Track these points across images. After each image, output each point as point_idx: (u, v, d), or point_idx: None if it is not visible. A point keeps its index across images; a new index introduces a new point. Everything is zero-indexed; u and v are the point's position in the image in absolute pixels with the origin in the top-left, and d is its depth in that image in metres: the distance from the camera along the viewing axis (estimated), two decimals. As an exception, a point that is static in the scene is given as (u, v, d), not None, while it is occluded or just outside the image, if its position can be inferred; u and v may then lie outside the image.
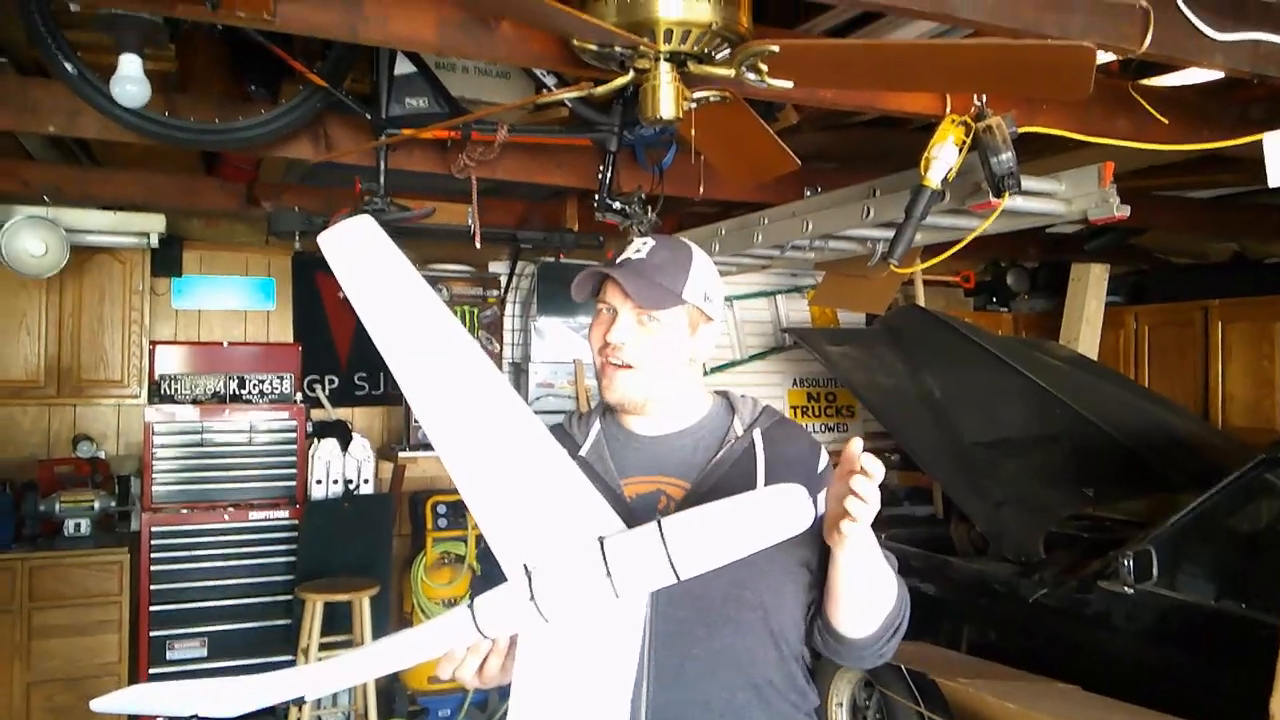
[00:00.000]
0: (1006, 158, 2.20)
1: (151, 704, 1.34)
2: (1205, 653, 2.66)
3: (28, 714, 4.11)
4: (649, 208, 3.11)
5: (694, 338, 1.47)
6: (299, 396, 4.94)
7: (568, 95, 1.81)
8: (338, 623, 4.35)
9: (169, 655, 4.38)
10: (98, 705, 1.30)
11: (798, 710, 1.44)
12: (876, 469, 1.15)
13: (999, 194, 2.27)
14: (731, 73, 1.74)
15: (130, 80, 1.78)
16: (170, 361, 4.81)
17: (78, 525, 4.31)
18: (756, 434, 1.48)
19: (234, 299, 5.10)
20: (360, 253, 1.36)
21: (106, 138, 2.60)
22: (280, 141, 2.70)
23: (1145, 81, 2.63)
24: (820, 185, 3.38)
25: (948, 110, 2.31)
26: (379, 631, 4.33)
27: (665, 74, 1.74)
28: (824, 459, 1.56)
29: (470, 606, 1.24)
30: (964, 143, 2.27)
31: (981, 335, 4.64)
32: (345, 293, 1.35)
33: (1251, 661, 2.21)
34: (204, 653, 4.44)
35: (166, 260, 4.74)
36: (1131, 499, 3.87)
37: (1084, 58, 1.45)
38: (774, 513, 1.15)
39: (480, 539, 4.49)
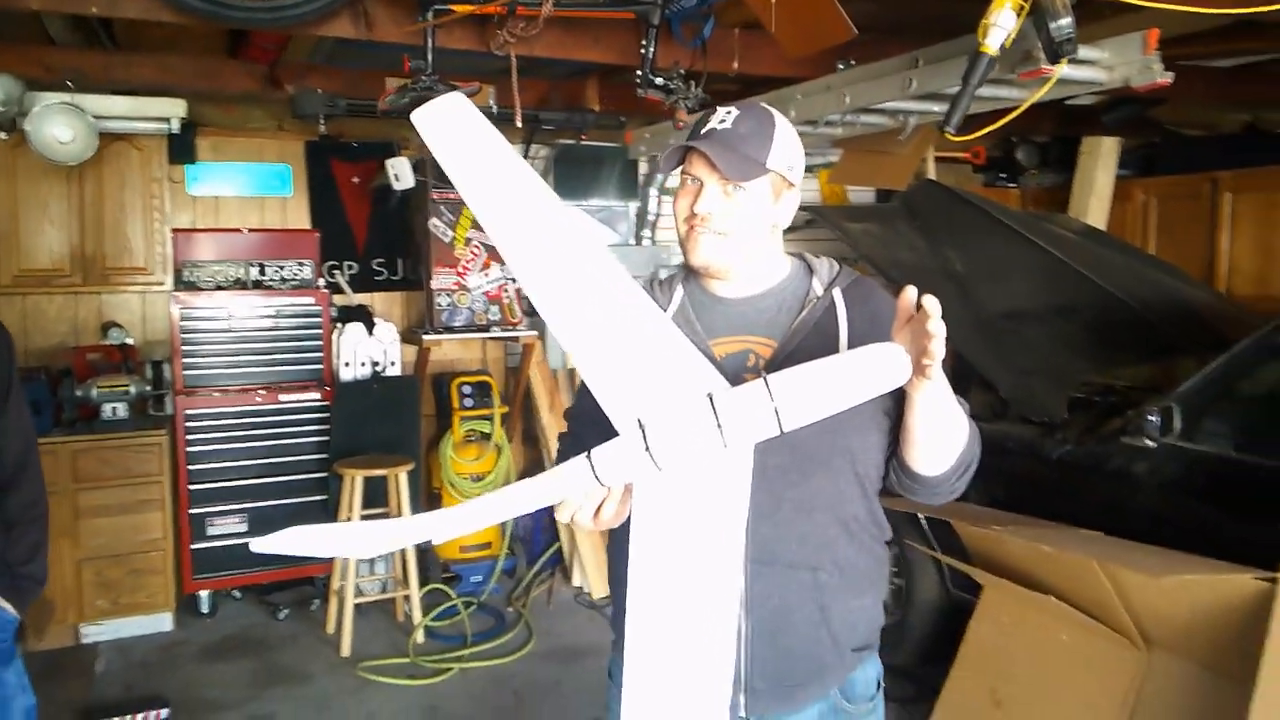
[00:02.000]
0: (1066, 23, 2.23)
1: (305, 546, 1.43)
2: (1225, 500, 2.84)
3: (79, 589, 4.28)
4: (692, 83, 3.10)
5: (777, 204, 1.50)
6: (320, 282, 4.98)
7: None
8: (373, 497, 4.52)
9: (210, 531, 4.56)
10: (257, 546, 1.40)
11: (876, 541, 1.57)
12: (935, 307, 1.18)
13: (1055, 60, 2.30)
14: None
15: None
16: (191, 249, 4.82)
17: (114, 409, 4.40)
18: (836, 293, 1.54)
19: (250, 186, 5.08)
20: (454, 128, 1.38)
21: (151, 18, 2.57)
22: (323, 20, 2.68)
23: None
24: (853, 59, 3.37)
25: (1005, -25, 2.31)
26: (414, 505, 4.50)
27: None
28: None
29: (589, 457, 1.32)
30: (1021, 8, 2.28)
31: (998, 209, 4.70)
32: (444, 168, 1.38)
33: (1270, 506, 2.37)
34: (244, 528, 4.61)
35: (182, 147, 4.70)
36: (1145, 364, 4.02)
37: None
38: (874, 370, 1.23)
39: (506, 417, 4.63)
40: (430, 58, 2.79)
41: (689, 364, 1.30)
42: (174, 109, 4.03)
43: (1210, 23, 2.74)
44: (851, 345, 1.48)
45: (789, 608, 1.42)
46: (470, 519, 1.45)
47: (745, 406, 1.24)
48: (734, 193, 1.44)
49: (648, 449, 1.27)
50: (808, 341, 1.48)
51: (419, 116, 1.40)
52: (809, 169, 5.89)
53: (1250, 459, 2.87)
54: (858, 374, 1.24)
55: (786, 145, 1.51)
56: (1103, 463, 3.21)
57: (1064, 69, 2.40)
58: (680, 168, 1.51)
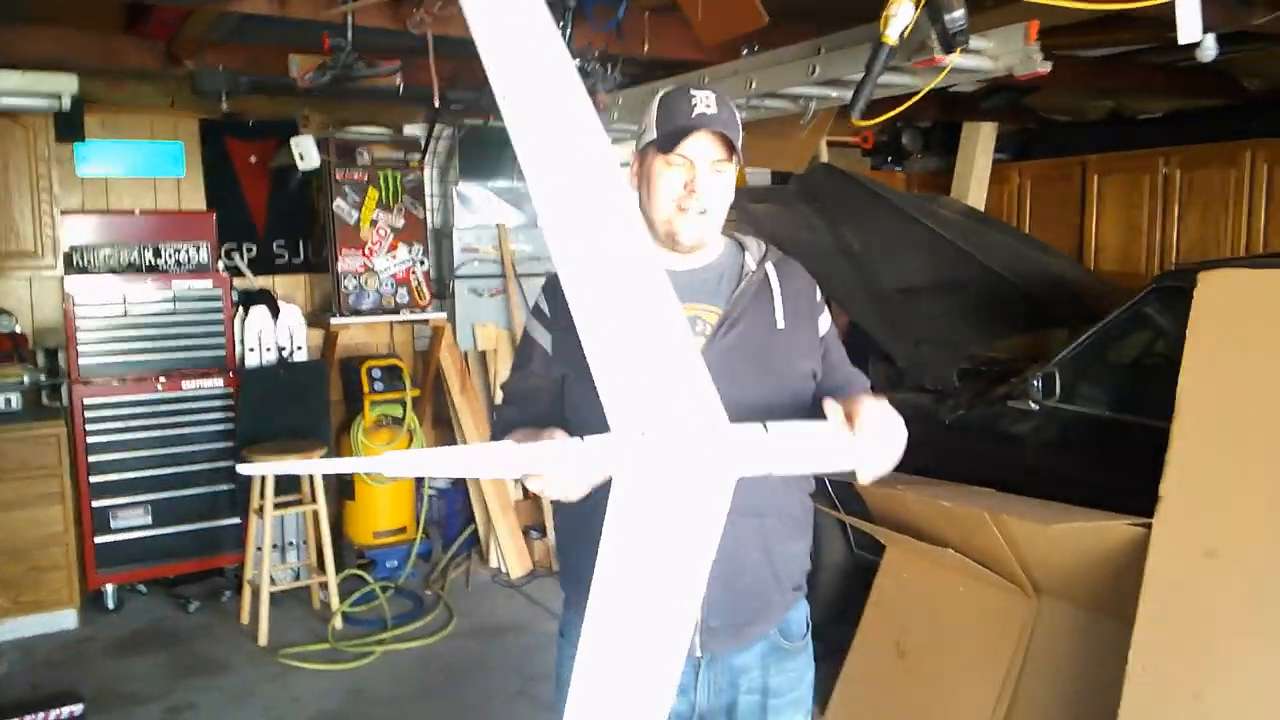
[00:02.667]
0: (959, 15, 2.41)
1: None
2: (1101, 455, 3.12)
3: (-26, 587, 4.12)
4: (609, 66, 3.18)
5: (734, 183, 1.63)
6: (219, 265, 4.87)
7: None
8: (284, 485, 4.48)
9: (113, 524, 4.44)
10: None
11: (804, 492, 1.71)
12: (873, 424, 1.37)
13: (949, 50, 2.48)
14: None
15: None
16: (82, 231, 4.65)
17: (8, 400, 4.23)
18: (769, 267, 1.69)
19: (141, 166, 4.91)
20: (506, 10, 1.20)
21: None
22: (239, -6, 2.65)
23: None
24: (757, 44, 3.51)
25: (904, -31, 2.48)
26: (327, 492, 4.48)
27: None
28: (818, 291, 1.79)
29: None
30: (918, 0, 2.45)
31: (888, 191, 4.97)
32: (481, 47, 1.19)
33: (1142, 459, 2.62)
34: (149, 520, 4.51)
35: (69, 124, 4.49)
36: (1025, 335, 4.34)
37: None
38: (851, 456, 1.36)
39: (417, 400, 4.63)
40: (350, 35, 2.79)
41: (701, 387, 1.30)
42: (65, 85, 3.88)
43: (1083, 15, 2.97)
44: (785, 314, 1.64)
45: (741, 552, 1.54)
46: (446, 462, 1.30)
47: (744, 443, 1.30)
48: (720, 173, 1.55)
49: (643, 456, 1.26)
50: (748, 310, 1.61)
51: None
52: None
53: (1121, 417, 3.16)
54: (839, 451, 1.36)
55: (740, 128, 1.61)
56: (991, 425, 3.47)
57: (956, 58, 2.58)
58: (653, 148, 1.56)
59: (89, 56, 3.63)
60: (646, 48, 3.40)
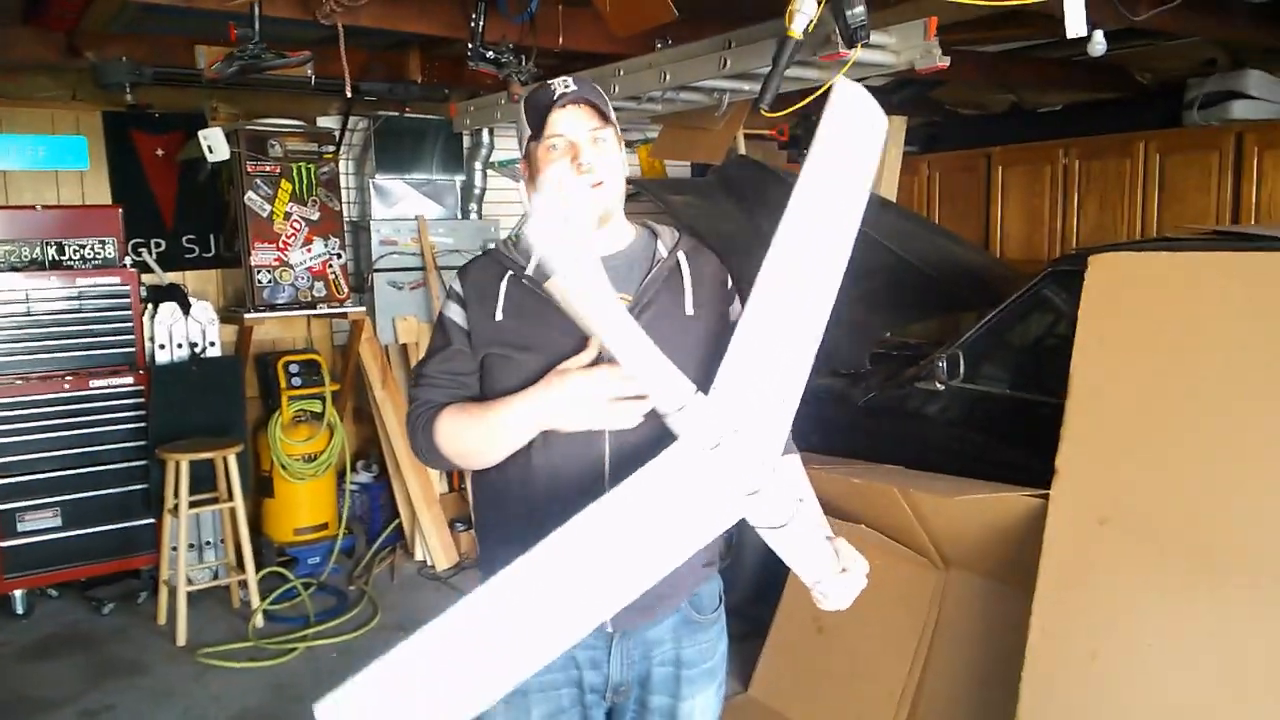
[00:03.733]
0: (860, 11, 2.50)
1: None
2: (1004, 432, 3.28)
3: None
4: (523, 57, 3.20)
5: (622, 155, 1.67)
6: (127, 261, 4.74)
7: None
8: (199, 483, 4.39)
9: (20, 527, 4.31)
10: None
11: None
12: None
13: (852, 45, 2.57)
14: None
15: None
16: (-22, 227, 4.48)
17: (-98, 402, 4.07)
18: (680, 255, 1.74)
19: (42, 159, 4.76)
20: (856, 123, 1.43)
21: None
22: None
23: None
24: (670, 38, 3.57)
25: (807, -34, 2.56)
26: (245, 488, 4.41)
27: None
28: (729, 278, 1.85)
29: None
30: (820, -3, 2.54)
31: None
32: (818, 149, 1.47)
33: (1042, 435, 2.76)
34: (58, 522, 4.40)
35: (-37, 117, 4.35)
36: (933, 320, 4.50)
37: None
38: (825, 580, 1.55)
39: (337, 395, 4.57)
40: (258, 25, 2.76)
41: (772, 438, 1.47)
42: (-44, 77, 3.74)
43: (978, 12, 3.10)
44: (695, 300, 1.68)
45: None
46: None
47: (780, 495, 1.44)
48: (600, 142, 1.59)
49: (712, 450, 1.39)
50: (659, 296, 1.65)
51: (844, 87, 1.43)
52: (630, 144, 6.10)
53: (1021, 395, 3.32)
54: (822, 572, 1.54)
55: (613, 107, 1.69)
56: (901, 406, 3.60)
57: (859, 53, 2.68)
58: (532, 144, 1.63)
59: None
60: (561, 40, 3.43)
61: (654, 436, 1.45)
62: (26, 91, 4.51)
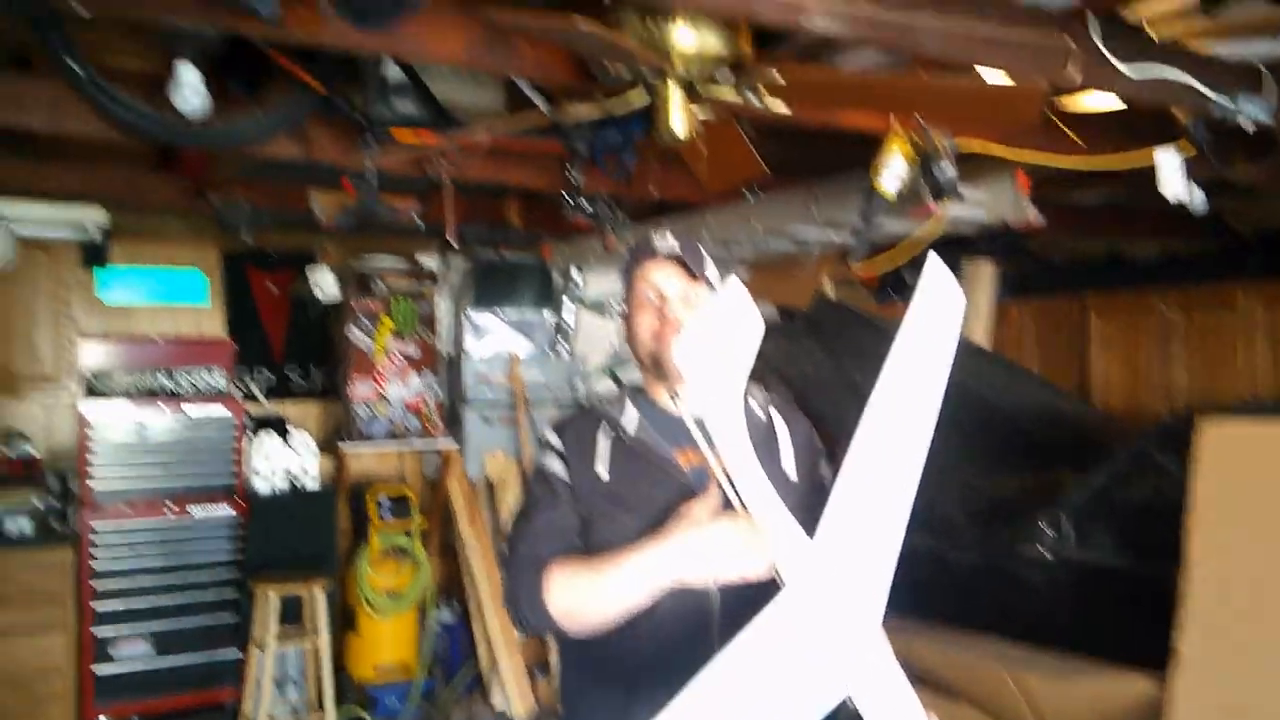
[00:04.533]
0: (949, 169, 2.53)
1: None
2: (1109, 604, 3.07)
3: (-32, 717, 4.04)
4: (617, 208, 3.33)
5: None
6: (234, 390, 4.95)
7: (584, 113, 2.02)
8: (287, 616, 4.41)
9: (114, 654, 4.36)
10: None
11: None
12: None
13: (941, 200, 2.60)
14: (737, 97, 1.99)
15: (191, 89, 1.89)
16: (101, 356, 4.75)
17: (18, 525, 4.24)
18: (772, 411, 1.73)
19: (164, 293, 5.07)
20: (945, 298, 1.53)
21: (96, 135, 2.66)
22: (269, 141, 2.81)
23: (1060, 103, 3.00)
24: (759, 189, 3.66)
25: (895, 127, 2.62)
26: (331, 624, 4.42)
27: (679, 96, 1.98)
28: (816, 436, 1.83)
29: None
30: (910, 155, 2.58)
31: (891, 326, 5.03)
32: (909, 329, 1.54)
33: (1151, 609, 2.59)
34: (151, 650, 4.43)
35: (95, 253, 4.67)
36: (1031, 474, 4.32)
37: (1035, 94, 1.76)
38: None
39: (424, 530, 4.58)
40: (374, 181, 2.94)
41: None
42: (94, 216, 4.05)
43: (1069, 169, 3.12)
44: (794, 462, 1.68)
45: None
46: None
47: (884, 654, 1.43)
48: (693, 300, 1.61)
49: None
50: (761, 460, 1.58)
51: (935, 265, 1.53)
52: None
53: (1128, 564, 3.12)
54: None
55: (711, 264, 1.70)
56: (998, 570, 3.43)
57: (949, 208, 2.70)
58: (628, 293, 1.67)
59: (116, 191, 3.80)
60: (656, 191, 3.55)
61: (760, 594, 1.40)
62: (154, 229, 4.84)
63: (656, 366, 1.64)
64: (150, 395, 4.67)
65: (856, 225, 2.72)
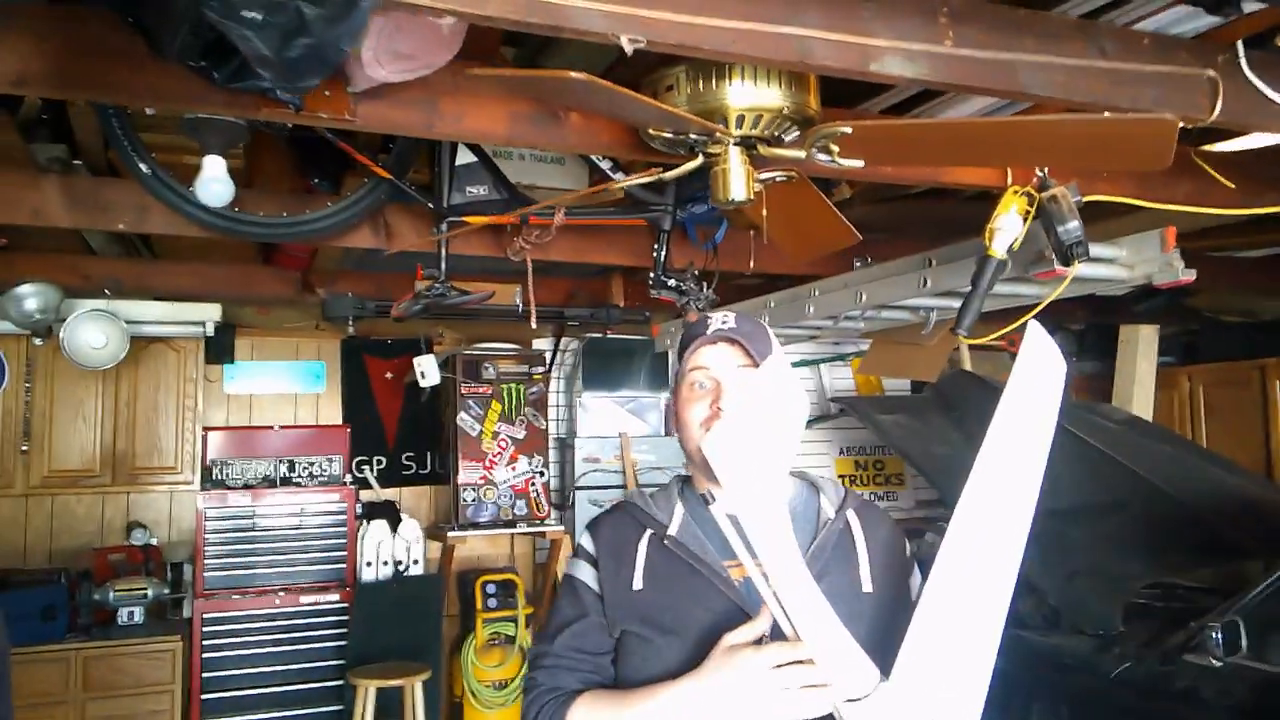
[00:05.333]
0: (1074, 226, 2.19)
1: None
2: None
3: (80, 808, 4.06)
4: (704, 284, 3.12)
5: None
6: (348, 478, 4.96)
7: (639, 181, 1.83)
8: (389, 708, 4.29)
9: (221, 744, 4.33)
10: None
11: None
12: None
13: (1067, 262, 2.25)
14: (803, 154, 1.75)
15: (216, 180, 1.83)
16: (222, 447, 4.85)
17: (131, 614, 4.31)
18: (850, 515, 1.46)
19: (285, 383, 5.16)
20: (1045, 369, 1.37)
21: (175, 233, 2.66)
22: (344, 232, 2.75)
23: (1206, 147, 2.62)
24: (869, 256, 3.38)
25: (1009, 181, 2.31)
26: (434, 715, 4.26)
27: (736, 157, 1.76)
28: (906, 543, 1.54)
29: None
30: (1027, 212, 2.26)
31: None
32: (1014, 393, 1.36)
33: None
34: (258, 741, 4.39)
35: (220, 347, 4.82)
36: (1203, 566, 3.75)
37: (1165, 130, 1.45)
38: None
39: (531, 617, 4.38)
40: (444, 266, 2.84)
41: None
42: (209, 313, 4.15)
43: (1223, 219, 2.71)
44: (873, 573, 1.42)
45: None
46: None
47: None
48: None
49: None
50: (829, 567, 1.38)
51: (1035, 333, 1.38)
52: (841, 358, 5.86)
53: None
54: None
55: (779, 350, 1.48)
56: (1165, 683, 2.92)
57: (1080, 269, 2.34)
58: (688, 376, 1.46)
59: (228, 288, 3.87)
60: (752, 264, 3.32)
61: None
62: (275, 322, 4.95)
63: (706, 462, 1.39)
64: (267, 484, 4.72)
65: (959, 288, 2.40)
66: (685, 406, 1.44)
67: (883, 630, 1.37)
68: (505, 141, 1.88)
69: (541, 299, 4.40)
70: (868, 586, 1.40)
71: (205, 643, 4.36)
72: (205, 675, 4.34)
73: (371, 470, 5.24)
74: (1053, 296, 2.47)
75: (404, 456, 5.35)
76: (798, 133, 1.79)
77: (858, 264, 3.42)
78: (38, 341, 3.61)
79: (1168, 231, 2.60)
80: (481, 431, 4.92)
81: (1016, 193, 2.28)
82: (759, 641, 1.27)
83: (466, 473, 4.86)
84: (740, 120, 1.72)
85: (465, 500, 4.86)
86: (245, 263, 3.89)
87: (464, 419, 4.89)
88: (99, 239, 3.38)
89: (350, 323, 3.95)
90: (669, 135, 1.70)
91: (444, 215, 2.62)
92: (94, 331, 3.54)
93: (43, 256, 3.53)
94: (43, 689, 4.02)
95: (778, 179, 1.93)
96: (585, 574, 1.47)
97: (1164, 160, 1.53)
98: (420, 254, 3.22)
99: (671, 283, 3.01)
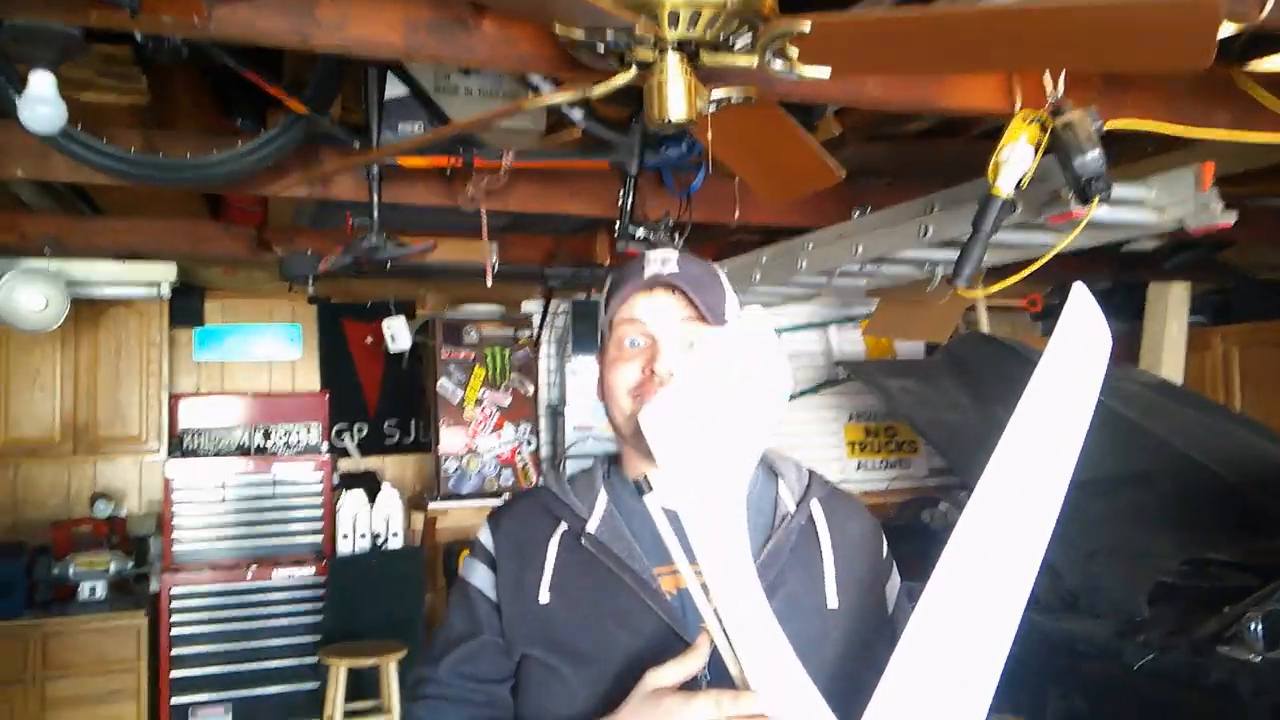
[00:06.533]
0: (1093, 157, 1.85)
1: None
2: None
3: (44, 792, 3.88)
4: (676, 235, 2.80)
5: None
6: (325, 446, 4.72)
7: (559, 98, 1.52)
8: (367, 686, 4.08)
9: (192, 722, 4.14)
10: None
11: None
12: None
13: (1085, 201, 1.91)
14: (754, 61, 1.43)
15: (42, 102, 1.53)
16: (192, 415, 4.63)
17: (93, 589, 4.11)
18: (814, 507, 1.16)
19: (258, 348, 4.91)
20: (1088, 338, 1.06)
21: (75, 180, 2.39)
22: (267, 176, 2.45)
23: (1251, 65, 2.26)
24: (871, 203, 3.04)
25: (1018, 106, 1.97)
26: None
27: (674, 65, 1.44)
28: (884, 540, 1.23)
29: None
30: (1039, 142, 1.92)
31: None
32: (1050, 367, 1.02)
33: None
34: (229, 719, 4.19)
35: (186, 311, 4.58)
36: (1239, 544, 3.41)
37: (1207, 11, 1.12)
38: None
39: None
40: (376, 214, 2.54)
41: None
42: (164, 273, 3.88)
43: (1263, 159, 2.35)
44: (839, 582, 1.11)
45: None
46: None
47: None
48: (696, 346, 1.10)
49: None
50: (785, 576, 1.09)
51: (1080, 294, 1.05)
52: (849, 319, 5.52)
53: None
54: None
55: (733, 298, 1.18)
56: (1195, 676, 2.61)
57: (1100, 211, 2.00)
58: (616, 331, 1.15)
59: (179, 246, 3.59)
60: (737, 213, 3.00)
61: None
62: (245, 285, 4.69)
63: (639, 439, 1.07)
64: (241, 453, 4.49)
65: (964, 238, 2.07)
66: (612, 369, 1.13)
67: (852, 657, 1.07)
68: (403, 54, 1.57)
69: (520, 256, 4.11)
70: (833, 601, 1.10)
71: (174, 619, 4.15)
72: (174, 652, 4.15)
73: (352, 438, 5.01)
74: (1065, 242, 2.13)
75: (386, 424, 5.11)
76: (750, 38, 1.46)
77: (856, 213, 3.09)
78: (-31, 303, 3.36)
79: (1205, 167, 2.26)
80: (463, 398, 4.66)
81: (1026, 119, 1.94)
82: (694, 683, 0.97)
83: (448, 441, 4.61)
84: (675, 18, 1.39)
85: (447, 470, 4.61)
86: (194, 218, 3.61)
87: (445, 385, 4.63)
88: (28, 192, 3.11)
89: (310, 283, 3.66)
90: (579, 37, 1.38)
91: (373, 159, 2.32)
92: (31, 293, 3.28)
93: (-28, 212, 3.27)
94: (-1, 668, 3.83)
95: (734, 99, 1.60)
96: (480, 578, 1.17)
97: (1204, 55, 1.20)
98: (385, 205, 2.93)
99: (640, 234, 2.69)
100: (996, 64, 1.74)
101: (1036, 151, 1.93)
